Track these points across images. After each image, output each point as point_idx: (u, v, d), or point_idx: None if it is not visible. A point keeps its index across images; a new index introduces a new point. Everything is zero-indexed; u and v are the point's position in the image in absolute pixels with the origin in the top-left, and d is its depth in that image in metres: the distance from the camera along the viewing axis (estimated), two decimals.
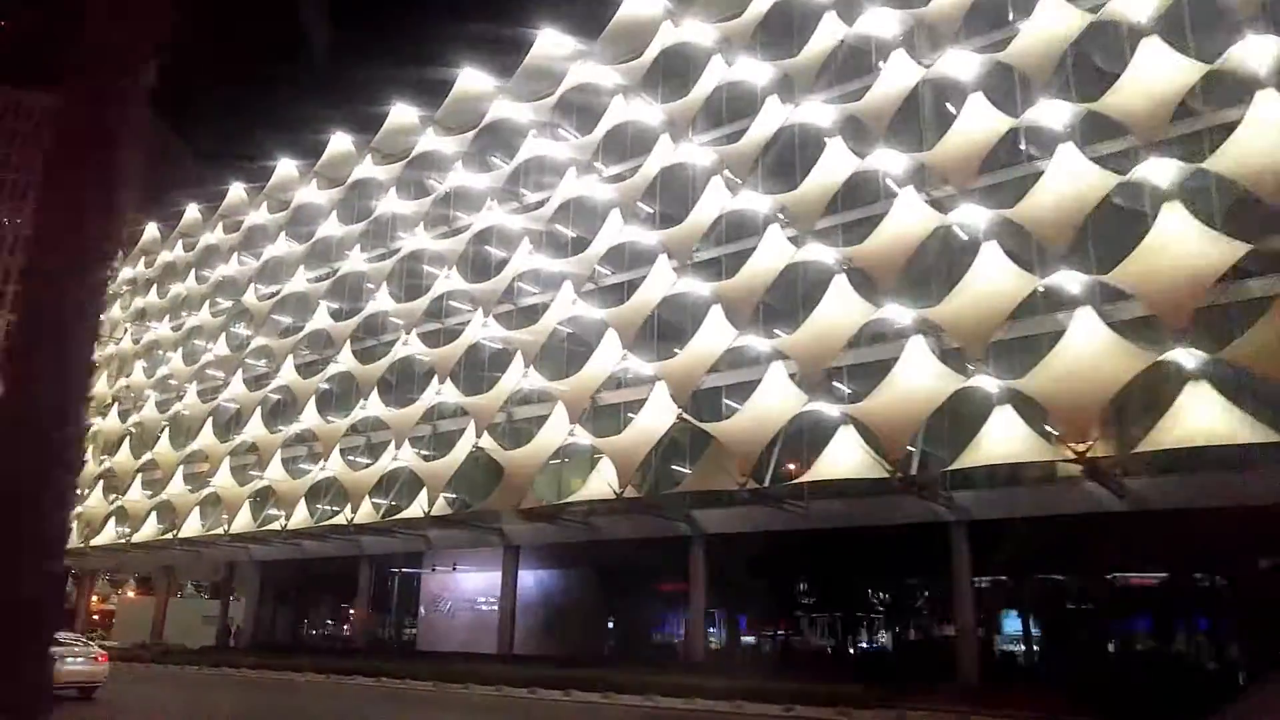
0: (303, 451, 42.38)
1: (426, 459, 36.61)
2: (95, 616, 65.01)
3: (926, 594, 31.38)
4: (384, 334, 41.73)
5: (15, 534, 3.39)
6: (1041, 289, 24.56)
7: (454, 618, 38.56)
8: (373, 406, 37.97)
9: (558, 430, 31.48)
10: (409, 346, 38.32)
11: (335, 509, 37.22)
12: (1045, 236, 24.08)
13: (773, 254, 29.30)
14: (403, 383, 39.36)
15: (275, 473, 40.10)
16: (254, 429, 42.79)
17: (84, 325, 3.69)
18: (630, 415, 31.46)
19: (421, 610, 40.82)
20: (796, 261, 28.74)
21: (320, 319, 42.91)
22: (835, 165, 28.93)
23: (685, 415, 28.16)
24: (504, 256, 38.13)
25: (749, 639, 35.35)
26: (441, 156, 41.03)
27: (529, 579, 36.50)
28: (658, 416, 29.01)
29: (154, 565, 50.78)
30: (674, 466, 30.87)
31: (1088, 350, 22.54)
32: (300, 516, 37.74)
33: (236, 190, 52.69)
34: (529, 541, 34.45)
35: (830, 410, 25.75)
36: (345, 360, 40.21)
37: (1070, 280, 23.99)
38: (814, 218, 28.53)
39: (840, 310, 27.00)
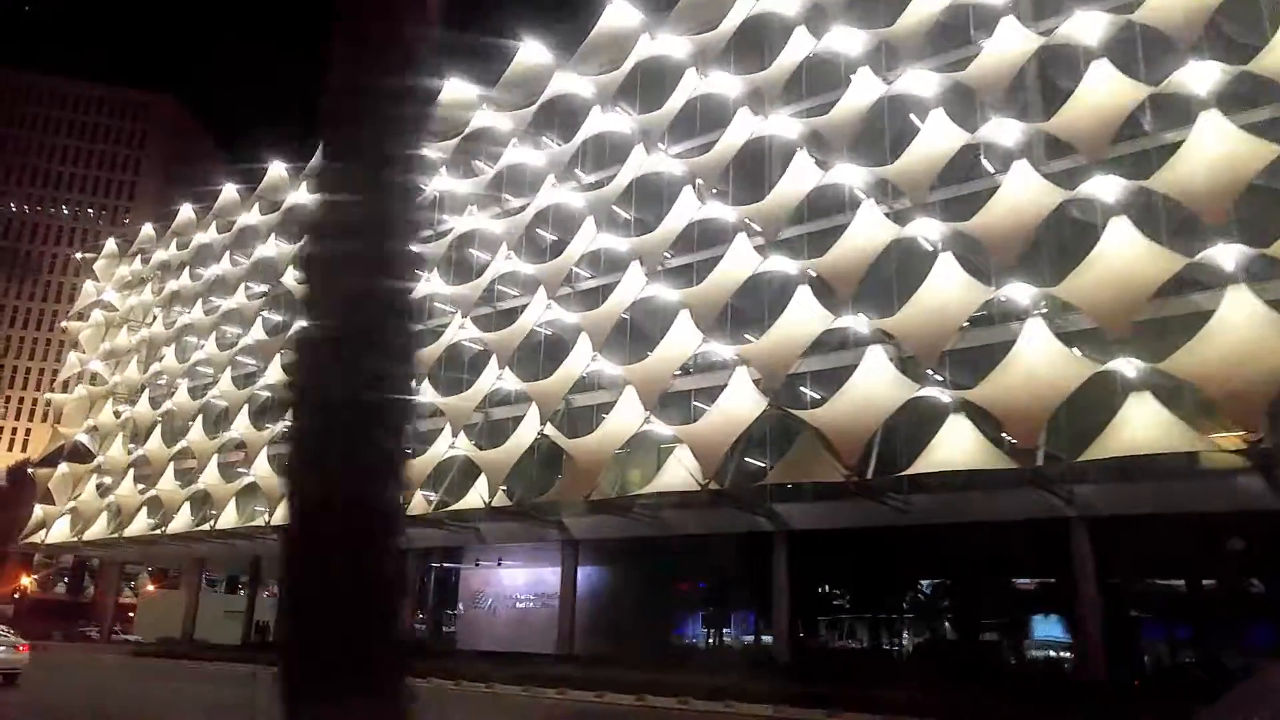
0: None
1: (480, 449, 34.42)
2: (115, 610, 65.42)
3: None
4: (432, 318, 39.75)
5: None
6: (1003, 299, 25.34)
7: (495, 614, 37.57)
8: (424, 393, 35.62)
9: (626, 418, 29.95)
10: (464, 330, 36.91)
11: None
12: (996, 249, 24.77)
13: (739, 262, 29.97)
14: (451, 369, 37.86)
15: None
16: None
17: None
18: (699, 404, 30.63)
19: (460, 607, 39.80)
20: (762, 271, 29.47)
21: None
22: (801, 177, 29.70)
23: (778, 404, 26.61)
24: (558, 238, 37.69)
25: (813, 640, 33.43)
26: (497, 134, 40.45)
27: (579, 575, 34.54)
28: (741, 403, 27.69)
29: (186, 557, 49.34)
30: (747, 458, 29.06)
31: (1039, 359, 23.32)
32: None
33: (276, 169, 50.04)
34: (591, 535, 32.22)
35: (942, 396, 24.78)
36: None
37: (1020, 292, 24.74)
38: (779, 227, 29.26)
39: (801, 318, 27.78)
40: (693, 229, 32.59)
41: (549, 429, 31.56)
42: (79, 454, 53.94)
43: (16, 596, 66.82)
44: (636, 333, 33.57)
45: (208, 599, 55.33)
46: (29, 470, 57.18)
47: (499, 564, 37.89)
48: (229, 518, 40.77)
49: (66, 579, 75.63)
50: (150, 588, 64.54)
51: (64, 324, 55.86)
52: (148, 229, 60.97)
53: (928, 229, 26.59)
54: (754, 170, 32.83)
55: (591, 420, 32.82)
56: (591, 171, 38.38)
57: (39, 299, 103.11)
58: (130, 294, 60.63)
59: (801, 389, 29.24)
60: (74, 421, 56.04)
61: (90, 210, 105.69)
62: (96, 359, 57.94)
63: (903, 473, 23.82)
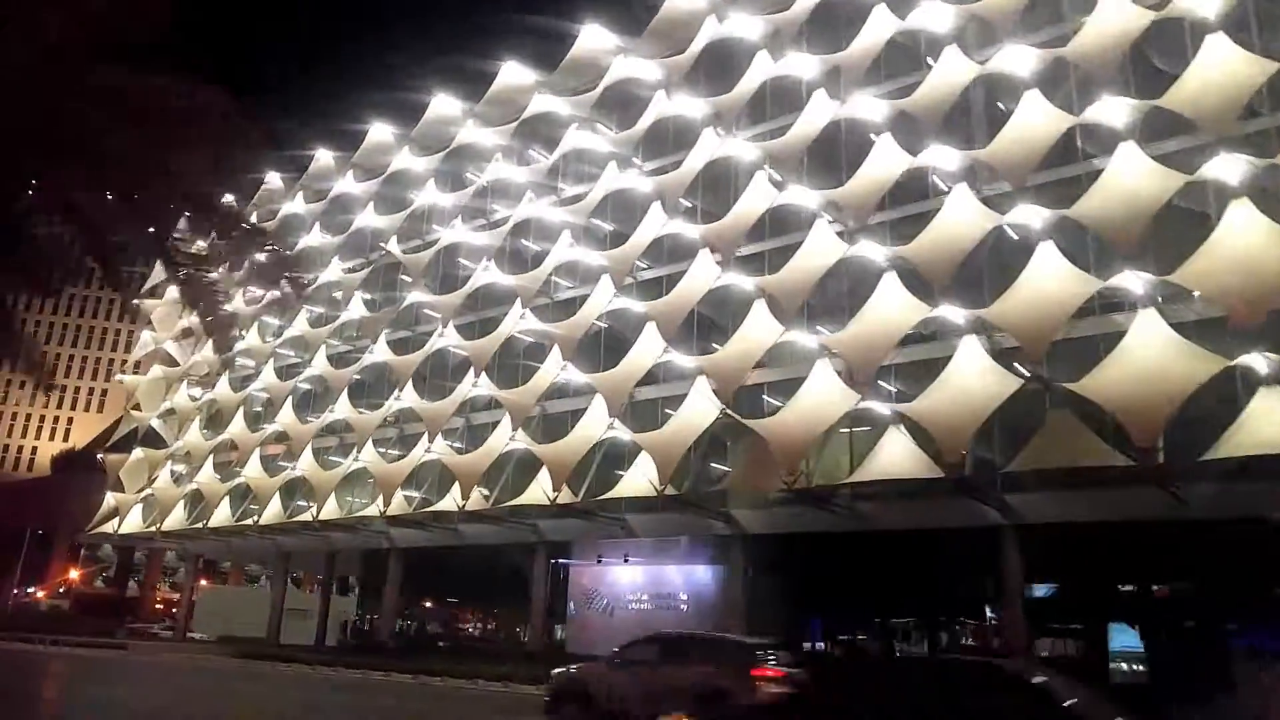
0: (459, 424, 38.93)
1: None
2: (159, 605, 63.89)
3: None
4: (492, 308, 39.26)
5: None
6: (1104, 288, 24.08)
7: (611, 616, 34.65)
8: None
9: (828, 395, 27.13)
10: (524, 321, 36.34)
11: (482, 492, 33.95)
12: (1110, 236, 23.76)
13: (820, 251, 29.16)
14: (590, 350, 35.52)
15: (438, 445, 36.29)
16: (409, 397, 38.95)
17: None
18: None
19: (571, 608, 36.97)
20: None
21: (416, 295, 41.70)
22: (886, 161, 28.86)
23: (1043, 379, 23.70)
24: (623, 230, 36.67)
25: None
26: (481, 148, 41.52)
27: (694, 575, 33.10)
28: (983, 378, 24.66)
29: (273, 551, 45.80)
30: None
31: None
32: (468, 497, 33.17)
33: (379, 131, 46.75)
34: (767, 529, 29.00)
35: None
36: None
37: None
38: (866, 213, 28.32)
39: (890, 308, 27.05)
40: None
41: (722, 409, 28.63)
42: (150, 439, 50.93)
43: (61, 592, 65.01)
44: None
45: (247, 594, 55.53)
46: (99, 456, 52.29)
47: (625, 560, 34.83)
48: (329, 509, 38.27)
49: (105, 574, 72.38)
50: (203, 583, 61.46)
51: (136, 301, 50.71)
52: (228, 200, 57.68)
53: (1027, 215, 25.77)
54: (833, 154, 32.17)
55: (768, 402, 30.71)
56: (653, 159, 37.50)
57: (81, 284, 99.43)
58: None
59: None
60: (148, 405, 52.19)
61: None
62: (170, 339, 53.11)
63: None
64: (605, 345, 35.77)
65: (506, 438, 34.31)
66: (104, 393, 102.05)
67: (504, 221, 40.12)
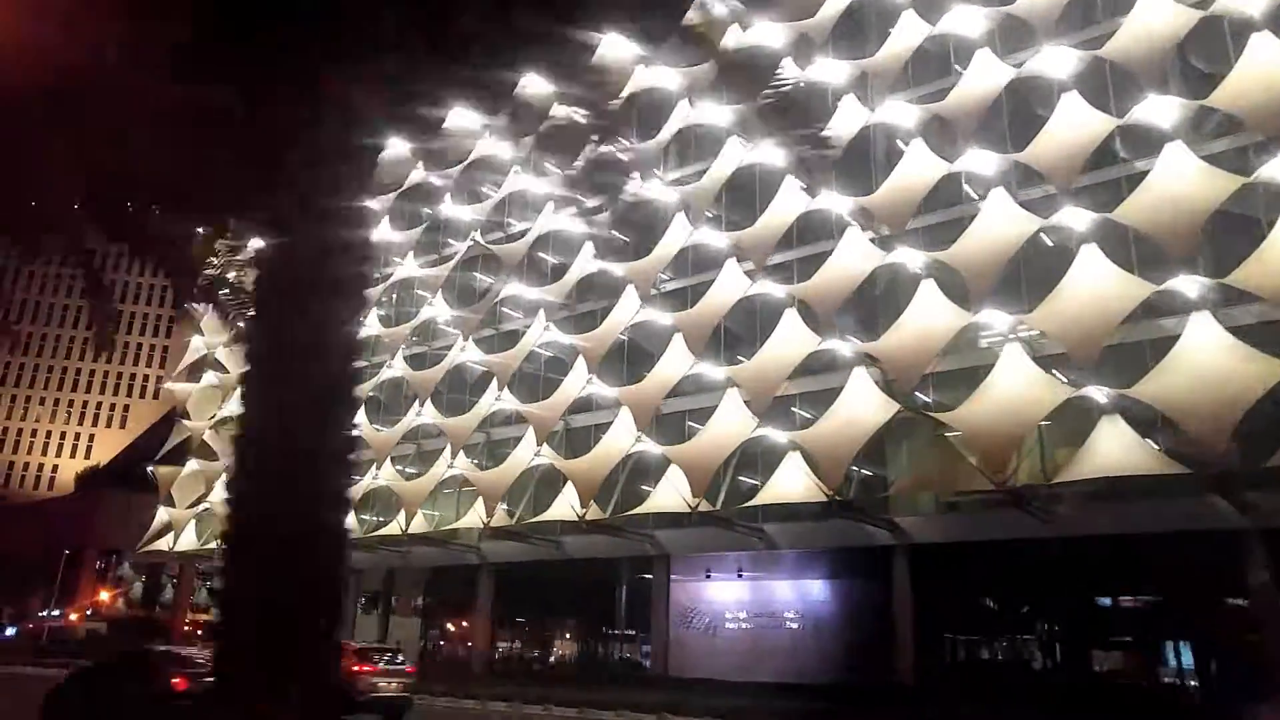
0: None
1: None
2: (187, 626, 58.11)
3: None
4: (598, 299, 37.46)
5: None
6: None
7: (715, 636, 32.02)
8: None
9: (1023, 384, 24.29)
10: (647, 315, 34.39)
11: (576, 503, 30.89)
12: (1161, 239, 23.34)
13: (853, 259, 28.83)
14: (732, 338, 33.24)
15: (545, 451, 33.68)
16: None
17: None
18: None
19: (676, 627, 33.94)
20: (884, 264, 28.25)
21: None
22: (920, 167, 28.47)
23: None
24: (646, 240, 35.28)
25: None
26: (499, 161, 41.10)
27: (809, 592, 30.68)
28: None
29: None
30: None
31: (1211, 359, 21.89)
32: (588, 505, 30.33)
33: (458, 117, 43.62)
34: (942, 537, 26.21)
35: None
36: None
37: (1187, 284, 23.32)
38: (902, 219, 27.74)
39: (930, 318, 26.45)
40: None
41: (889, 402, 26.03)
42: (199, 451, 48.25)
43: (89, 614, 60.90)
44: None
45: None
46: (150, 469, 48.72)
47: (707, 576, 32.34)
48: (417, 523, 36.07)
49: (124, 595, 68.66)
50: None
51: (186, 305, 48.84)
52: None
53: (1072, 219, 25.27)
54: (747, 195, 33.76)
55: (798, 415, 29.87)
56: (675, 168, 37.67)
57: (110, 299, 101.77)
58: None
59: None
60: (200, 414, 49.19)
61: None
62: (222, 345, 49.02)
63: None
64: (629, 358, 35.20)
65: (531, 452, 33.54)
66: (126, 409, 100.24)
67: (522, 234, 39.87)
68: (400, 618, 46.20)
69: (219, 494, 44.02)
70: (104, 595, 62.82)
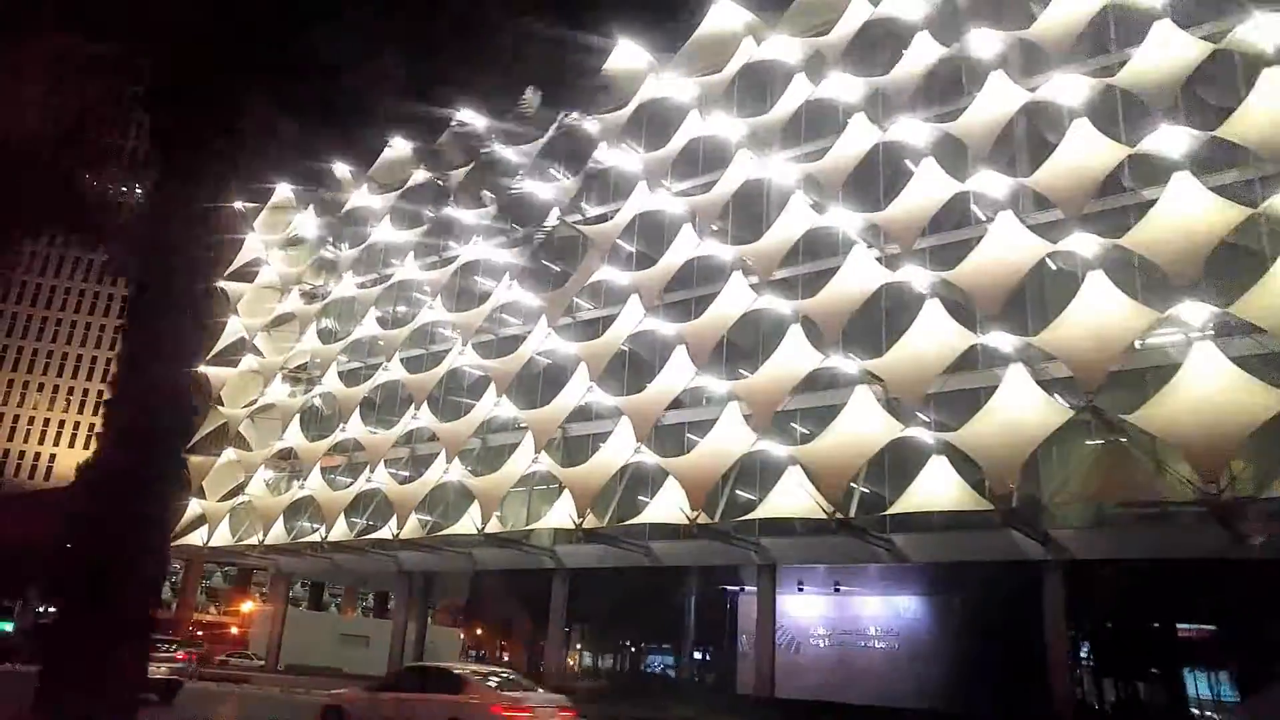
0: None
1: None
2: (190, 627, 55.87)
3: None
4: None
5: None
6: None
7: (797, 653, 30.91)
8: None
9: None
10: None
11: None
12: (1167, 267, 23.22)
13: (859, 276, 28.65)
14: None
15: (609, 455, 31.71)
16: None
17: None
18: None
19: (742, 642, 32.87)
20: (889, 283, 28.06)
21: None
22: (930, 187, 28.45)
23: None
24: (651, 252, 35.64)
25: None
26: (505, 165, 40.95)
27: (900, 609, 29.59)
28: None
29: (394, 572, 40.93)
30: None
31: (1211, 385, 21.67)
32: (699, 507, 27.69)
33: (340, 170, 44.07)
34: (1108, 553, 24.22)
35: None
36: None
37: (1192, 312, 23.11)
38: (911, 238, 27.71)
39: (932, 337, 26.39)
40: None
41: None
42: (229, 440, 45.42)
43: None
44: None
45: (316, 619, 49.78)
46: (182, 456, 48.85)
47: (800, 588, 30.53)
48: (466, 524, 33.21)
49: None
50: (250, 604, 56.63)
51: (219, 284, 43.88)
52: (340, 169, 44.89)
53: (1082, 244, 25.14)
54: (754, 209, 33.83)
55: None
56: (597, 205, 39.44)
57: (101, 280, 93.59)
58: (299, 249, 49.69)
59: None
60: (235, 400, 45.56)
61: None
62: (262, 328, 46.79)
63: None
64: (630, 367, 35.05)
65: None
66: None
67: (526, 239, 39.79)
68: (440, 626, 45.81)
69: (258, 486, 42.09)
70: None
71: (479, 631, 53.33)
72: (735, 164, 33.51)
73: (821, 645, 30.21)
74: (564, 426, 34.35)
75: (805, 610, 30.93)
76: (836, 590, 30.09)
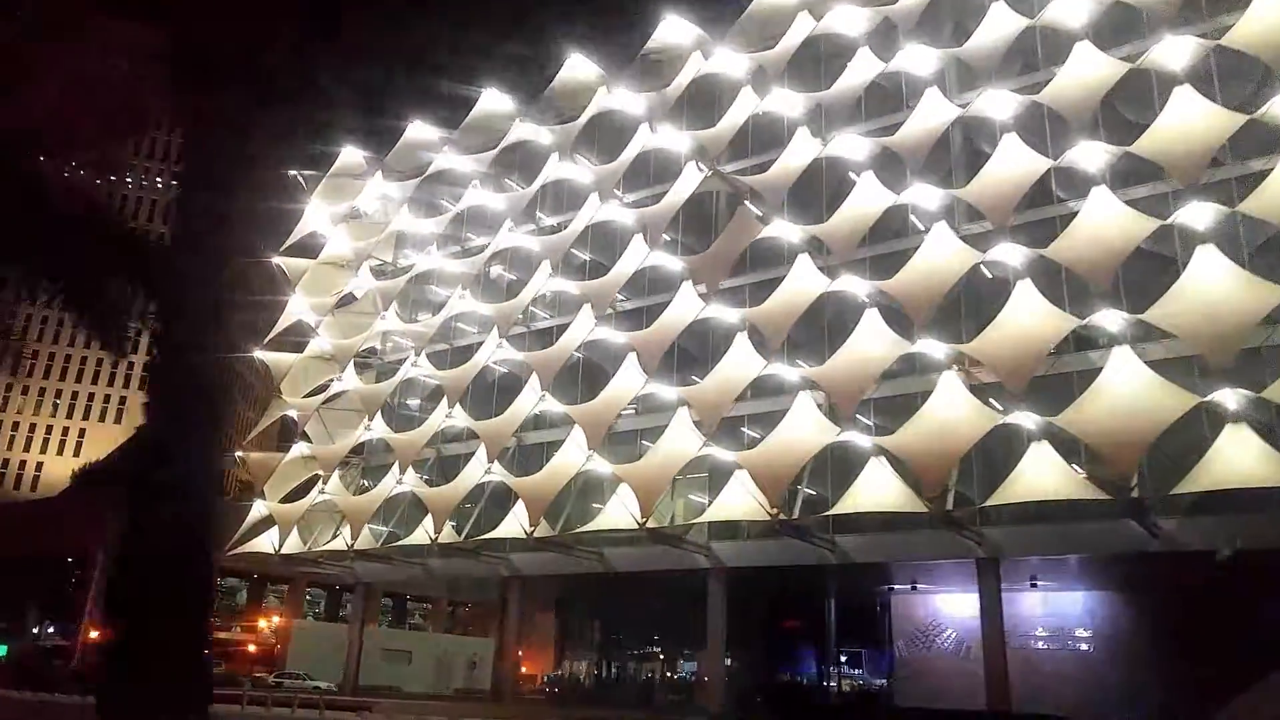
0: None
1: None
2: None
3: None
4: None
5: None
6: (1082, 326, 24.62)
7: (969, 659, 28.40)
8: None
9: None
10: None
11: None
12: (1085, 275, 24.56)
13: (804, 284, 29.21)
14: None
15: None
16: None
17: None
18: None
19: (900, 648, 30.82)
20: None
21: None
22: (868, 199, 29.33)
23: None
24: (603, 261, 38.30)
25: None
26: (458, 175, 40.99)
27: (1100, 605, 27.63)
28: None
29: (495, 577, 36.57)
30: None
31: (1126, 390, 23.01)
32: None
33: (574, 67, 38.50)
34: None
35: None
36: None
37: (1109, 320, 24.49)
38: (849, 249, 28.57)
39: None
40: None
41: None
42: (289, 434, 41.69)
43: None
44: None
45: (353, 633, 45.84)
46: (238, 455, 40.37)
47: (913, 587, 29.18)
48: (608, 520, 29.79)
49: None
50: (275, 619, 52.32)
51: (275, 260, 40.75)
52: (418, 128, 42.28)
53: (1009, 254, 26.32)
54: (703, 220, 34.73)
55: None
56: (550, 215, 39.79)
57: None
58: (367, 220, 45.04)
59: None
60: (297, 389, 41.01)
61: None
62: (333, 309, 42.05)
63: None
64: (582, 376, 35.49)
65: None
66: (123, 402, 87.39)
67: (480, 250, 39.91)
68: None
69: (335, 485, 37.78)
70: None
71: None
72: (684, 176, 34.14)
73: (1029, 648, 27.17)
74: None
75: (963, 610, 28.65)
76: (913, 588, 28.58)
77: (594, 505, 30.88)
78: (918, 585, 30.62)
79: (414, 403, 41.55)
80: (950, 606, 30.20)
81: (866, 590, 32.89)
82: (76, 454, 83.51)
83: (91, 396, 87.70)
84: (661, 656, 48.30)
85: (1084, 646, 27.95)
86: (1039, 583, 28.02)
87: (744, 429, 30.96)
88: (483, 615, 56.88)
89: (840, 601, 34.19)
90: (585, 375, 35.55)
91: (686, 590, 31.12)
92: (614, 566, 31.95)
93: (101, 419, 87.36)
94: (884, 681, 32.29)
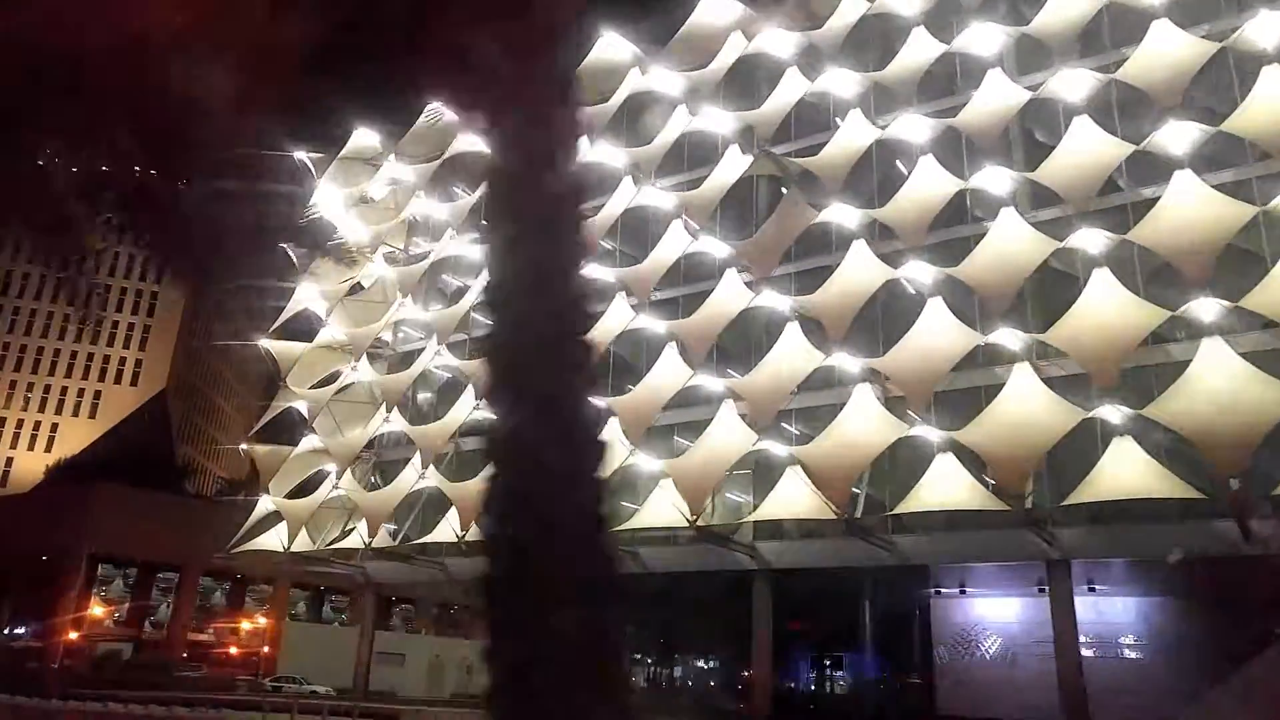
0: None
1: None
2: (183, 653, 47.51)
3: None
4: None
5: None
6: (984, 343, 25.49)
7: (1013, 666, 27.47)
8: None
9: None
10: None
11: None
12: (987, 295, 25.53)
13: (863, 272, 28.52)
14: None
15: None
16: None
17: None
18: None
19: (940, 654, 29.57)
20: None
21: None
22: (792, 216, 30.05)
23: None
24: None
25: None
26: (403, 183, 40.73)
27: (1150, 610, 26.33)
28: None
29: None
30: None
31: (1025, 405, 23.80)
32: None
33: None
34: None
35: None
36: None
37: (1010, 337, 25.21)
38: (771, 265, 29.45)
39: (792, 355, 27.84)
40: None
41: None
42: (288, 427, 39.56)
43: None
44: None
45: (349, 634, 43.00)
46: (243, 448, 39.77)
47: (961, 591, 28.12)
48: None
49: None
50: (260, 620, 50.05)
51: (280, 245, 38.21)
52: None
53: (921, 271, 26.97)
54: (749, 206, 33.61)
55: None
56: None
57: (49, 265, 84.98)
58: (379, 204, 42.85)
59: None
60: (304, 380, 38.97)
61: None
62: (345, 295, 40.17)
63: None
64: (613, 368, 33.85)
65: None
66: (98, 395, 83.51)
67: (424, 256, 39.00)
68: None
69: (347, 480, 35.51)
70: (97, 610, 48.08)
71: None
72: (621, 190, 33.74)
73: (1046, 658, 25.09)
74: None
75: (1022, 614, 27.64)
76: (961, 591, 27.83)
77: (625, 504, 29.17)
78: (966, 589, 29.39)
79: (423, 396, 39.63)
80: (993, 611, 29.12)
81: (909, 594, 31.60)
82: (48, 449, 79.46)
83: (64, 391, 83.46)
84: (704, 661, 46.77)
85: (1134, 655, 26.54)
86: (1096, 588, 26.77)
87: (787, 425, 29.47)
88: (471, 618, 55.43)
89: (877, 606, 33.10)
90: (617, 367, 33.84)
91: (722, 591, 30.03)
92: (650, 567, 30.07)
93: (75, 414, 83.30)
94: (920, 689, 31.11)
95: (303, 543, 35.19)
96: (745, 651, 30.32)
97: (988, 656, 28.16)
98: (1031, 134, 29.41)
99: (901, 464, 25.81)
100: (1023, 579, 27.39)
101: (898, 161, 30.61)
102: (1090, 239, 25.00)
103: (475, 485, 30.15)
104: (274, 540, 35.47)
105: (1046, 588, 25.32)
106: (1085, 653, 25.46)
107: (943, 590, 29.84)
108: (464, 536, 29.98)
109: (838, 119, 31.84)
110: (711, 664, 49.58)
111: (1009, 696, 26.04)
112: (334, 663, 37.75)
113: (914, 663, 30.99)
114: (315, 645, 40.98)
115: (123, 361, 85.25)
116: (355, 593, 39.11)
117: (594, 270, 33.78)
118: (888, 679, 33.81)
